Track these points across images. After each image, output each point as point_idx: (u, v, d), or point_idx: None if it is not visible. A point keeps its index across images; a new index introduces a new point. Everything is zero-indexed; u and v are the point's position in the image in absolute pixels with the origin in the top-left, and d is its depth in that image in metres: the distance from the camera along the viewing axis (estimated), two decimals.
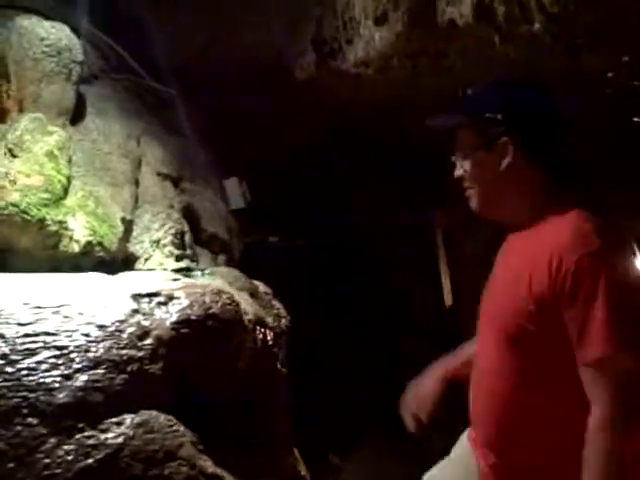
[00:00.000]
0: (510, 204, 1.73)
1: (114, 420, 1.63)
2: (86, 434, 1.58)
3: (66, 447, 1.55)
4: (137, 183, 2.83)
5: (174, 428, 1.70)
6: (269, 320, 2.34)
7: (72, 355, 1.65)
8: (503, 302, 1.69)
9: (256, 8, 3.47)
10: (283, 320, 2.45)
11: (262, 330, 2.18)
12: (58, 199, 2.42)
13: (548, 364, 1.60)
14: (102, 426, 1.61)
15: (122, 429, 1.62)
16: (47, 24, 2.75)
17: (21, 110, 2.64)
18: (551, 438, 1.62)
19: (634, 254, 1.64)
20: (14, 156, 2.43)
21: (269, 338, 2.22)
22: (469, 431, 1.85)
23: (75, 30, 2.90)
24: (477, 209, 1.78)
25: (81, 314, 1.74)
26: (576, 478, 1.53)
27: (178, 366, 1.78)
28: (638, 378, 1.52)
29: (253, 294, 2.35)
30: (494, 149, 1.70)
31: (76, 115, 2.81)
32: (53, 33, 2.73)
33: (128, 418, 1.64)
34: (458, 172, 1.78)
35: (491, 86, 1.81)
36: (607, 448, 1.50)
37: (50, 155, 2.47)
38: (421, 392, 1.95)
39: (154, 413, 1.69)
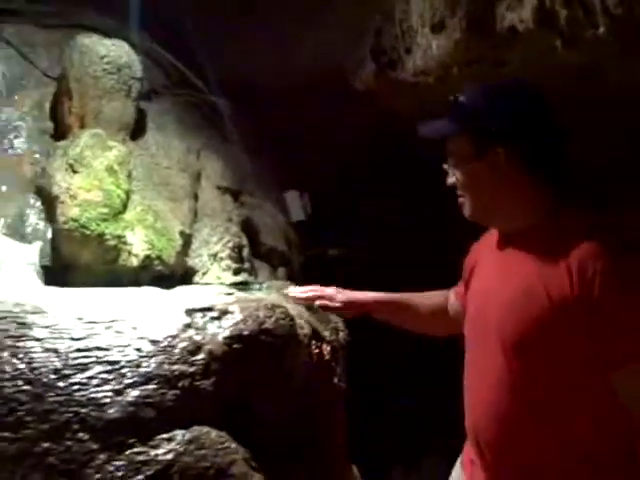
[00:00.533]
0: (503, 212, 1.72)
1: (165, 436, 1.61)
2: (136, 450, 1.57)
3: (116, 463, 1.54)
4: (196, 197, 2.85)
5: (226, 445, 1.67)
6: (326, 334, 2.30)
7: (123, 370, 1.64)
8: (508, 313, 1.65)
9: (319, 22, 3.47)
10: (341, 334, 2.41)
11: (318, 344, 2.14)
12: (117, 213, 2.44)
13: (559, 374, 1.58)
14: (153, 442, 1.59)
15: (173, 445, 1.60)
16: (107, 42, 2.80)
17: (82, 126, 2.68)
18: (557, 446, 1.61)
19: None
20: (75, 172, 2.47)
21: (326, 352, 2.18)
22: (464, 453, 1.84)
23: (135, 47, 2.94)
24: (469, 217, 1.76)
25: (134, 329, 1.74)
26: None
27: (231, 382, 1.75)
28: None
29: (310, 308, 2.30)
30: (486, 159, 1.67)
31: (136, 130, 2.84)
32: (113, 50, 2.78)
33: (179, 434, 1.62)
34: (450, 180, 1.76)
35: (484, 92, 1.76)
36: None
37: (110, 170, 2.50)
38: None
39: (205, 429, 1.66)
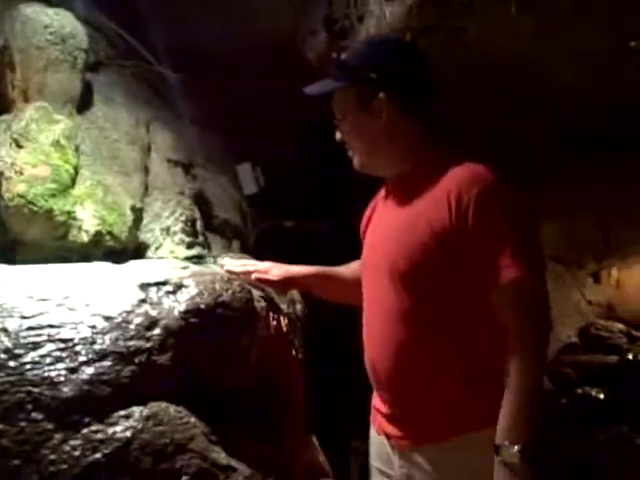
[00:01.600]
0: (390, 157, 1.84)
1: (122, 413, 1.58)
2: (93, 428, 1.54)
3: (73, 442, 1.51)
4: (147, 170, 2.78)
5: (185, 420, 1.65)
6: (283, 306, 2.28)
7: (77, 348, 1.60)
8: (396, 247, 1.80)
9: None
10: (298, 305, 2.40)
11: (275, 317, 2.12)
12: (66, 189, 2.37)
13: (446, 300, 1.73)
14: (110, 420, 1.56)
15: (130, 422, 1.57)
16: (51, 11, 2.69)
17: (26, 100, 2.59)
18: (449, 372, 1.76)
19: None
20: (20, 147, 2.38)
21: (283, 325, 2.16)
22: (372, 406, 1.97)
23: (80, 17, 2.85)
24: (359, 167, 1.87)
25: (87, 305, 1.70)
26: (476, 411, 1.72)
27: (188, 356, 1.73)
28: (544, 300, 1.71)
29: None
30: (370, 108, 1.78)
31: (83, 103, 2.75)
32: (57, 20, 2.67)
33: (137, 411, 1.59)
34: (338, 136, 1.87)
35: (360, 46, 1.93)
36: (534, 375, 1.65)
37: (56, 144, 2.42)
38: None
39: (163, 405, 1.64)
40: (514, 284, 1.66)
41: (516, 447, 1.60)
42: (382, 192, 1.98)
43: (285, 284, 2.15)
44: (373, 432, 1.98)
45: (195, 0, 3.52)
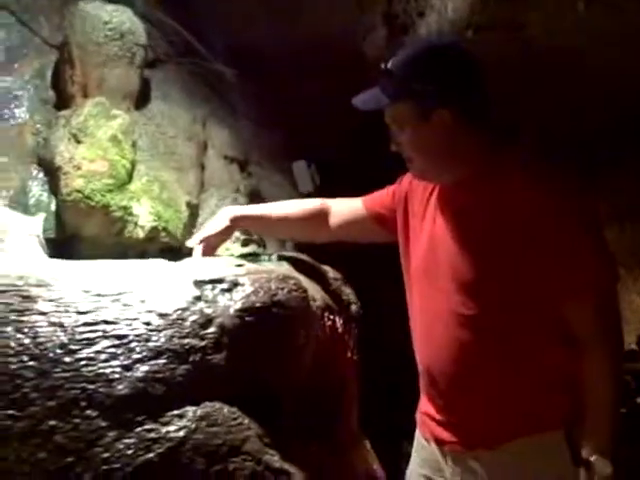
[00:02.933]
0: (452, 166, 1.79)
1: (176, 412, 1.55)
2: (147, 427, 1.51)
3: (126, 441, 1.48)
4: (203, 167, 2.78)
5: (238, 421, 1.61)
6: (338, 307, 2.23)
7: (132, 345, 1.57)
8: (461, 254, 1.76)
9: None
10: (353, 306, 2.34)
11: (331, 317, 2.08)
12: (122, 184, 2.38)
13: (513, 308, 1.70)
14: (163, 419, 1.53)
15: (184, 422, 1.54)
16: (110, 7, 2.72)
17: (85, 95, 2.61)
18: (510, 378, 1.73)
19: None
20: (78, 142, 2.40)
21: (338, 325, 2.11)
22: (418, 411, 1.97)
23: (139, 13, 2.85)
24: (420, 177, 1.87)
25: (142, 302, 1.67)
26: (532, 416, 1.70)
27: (242, 356, 1.69)
28: (619, 309, 1.70)
29: (322, 279, 2.24)
30: (430, 120, 1.72)
31: (140, 99, 2.77)
32: (116, 16, 2.70)
33: (190, 410, 1.56)
34: (394, 148, 1.82)
35: (408, 55, 1.79)
36: (618, 386, 1.65)
37: (114, 140, 2.43)
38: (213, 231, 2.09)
39: (217, 405, 1.60)
40: (596, 295, 1.65)
41: (608, 459, 1.57)
42: (420, 187, 1.95)
43: (229, 232, 2.14)
44: (420, 439, 1.94)
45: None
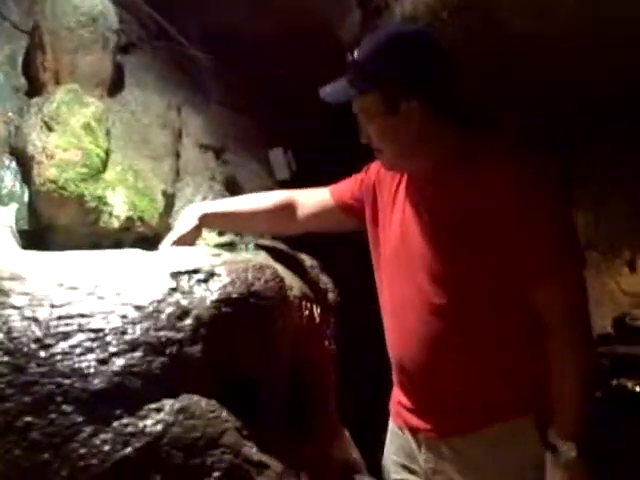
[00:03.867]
0: (421, 158, 1.78)
1: (153, 406, 1.53)
2: (124, 422, 1.49)
3: (103, 436, 1.46)
4: (178, 155, 2.74)
5: (216, 413, 1.60)
6: (316, 295, 2.23)
7: (108, 338, 1.56)
8: (434, 244, 1.77)
9: None
10: (331, 295, 2.34)
11: (308, 306, 2.07)
12: (97, 173, 2.34)
13: (483, 296, 1.70)
14: (140, 413, 1.52)
15: (162, 415, 1.53)
16: None
17: (57, 82, 2.56)
18: (482, 365, 1.74)
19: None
20: (50, 130, 2.36)
21: (316, 314, 2.11)
22: (392, 399, 1.98)
23: None
24: (389, 168, 1.85)
25: (117, 294, 1.65)
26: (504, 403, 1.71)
27: (219, 347, 1.68)
28: (586, 294, 1.71)
29: (299, 268, 2.23)
30: (399, 111, 1.70)
31: (114, 86, 2.72)
32: (87, 1, 2.64)
33: (168, 404, 1.55)
34: (364, 139, 1.80)
35: (374, 45, 1.76)
36: (587, 370, 1.66)
37: (87, 128, 2.39)
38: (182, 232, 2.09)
39: (195, 398, 1.59)
40: (562, 280, 1.65)
41: (573, 443, 1.57)
42: (388, 176, 1.94)
43: (197, 233, 2.14)
44: (394, 427, 1.95)
45: None
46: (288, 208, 2.12)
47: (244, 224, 2.20)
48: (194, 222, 2.08)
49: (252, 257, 2.03)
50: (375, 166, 2.01)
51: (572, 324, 1.67)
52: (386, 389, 2.09)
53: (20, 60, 2.71)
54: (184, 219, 2.11)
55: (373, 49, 1.75)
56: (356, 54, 1.75)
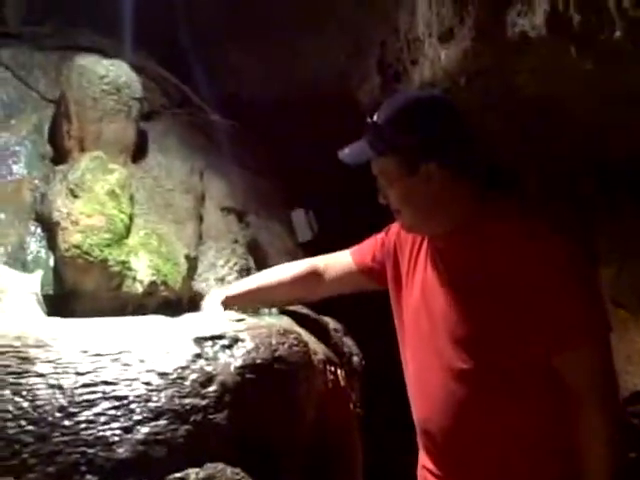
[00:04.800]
0: (440, 220, 1.77)
1: (178, 475, 1.52)
2: None
3: None
4: (201, 219, 2.77)
5: None
6: (340, 359, 2.21)
7: (132, 406, 1.55)
8: (456, 310, 1.73)
9: (317, 35, 3.41)
10: (355, 358, 2.32)
11: (333, 370, 2.05)
12: (120, 238, 2.37)
13: (510, 363, 1.66)
14: None
15: None
16: (106, 62, 2.73)
17: (82, 149, 2.61)
18: (509, 434, 1.69)
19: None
20: (75, 196, 2.40)
21: (341, 379, 2.09)
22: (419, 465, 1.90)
23: (135, 67, 2.87)
24: (407, 229, 1.84)
25: (142, 361, 1.65)
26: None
27: (244, 414, 1.67)
28: (612, 362, 1.66)
29: (323, 332, 2.22)
30: (418, 174, 1.70)
31: (137, 152, 2.77)
32: (112, 70, 2.71)
33: (192, 473, 1.53)
34: (382, 200, 1.79)
35: (393, 109, 1.77)
36: (613, 433, 1.61)
37: (111, 194, 2.42)
38: None
39: (220, 466, 1.57)
40: (589, 346, 1.63)
41: None
42: (409, 237, 1.93)
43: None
44: None
45: (246, 48, 3.55)
46: (311, 277, 2.12)
47: (268, 298, 2.19)
48: (219, 308, 2.12)
49: (275, 322, 2.02)
50: (395, 227, 2.01)
51: (599, 390, 1.63)
52: (413, 452, 2.06)
53: (46, 128, 2.77)
54: (209, 309, 2.16)
55: (392, 113, 1.76)
56: (376, 117, 1.77)
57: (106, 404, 1.55)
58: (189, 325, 1.86)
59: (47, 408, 1.51)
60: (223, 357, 1.72)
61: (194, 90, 3.36)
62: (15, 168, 2.63)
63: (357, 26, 3.21)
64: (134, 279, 2.33)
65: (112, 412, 1.54)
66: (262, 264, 2.86)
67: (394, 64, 3.01)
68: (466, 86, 2.63)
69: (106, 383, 1.58)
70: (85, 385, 1.56)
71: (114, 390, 1.57)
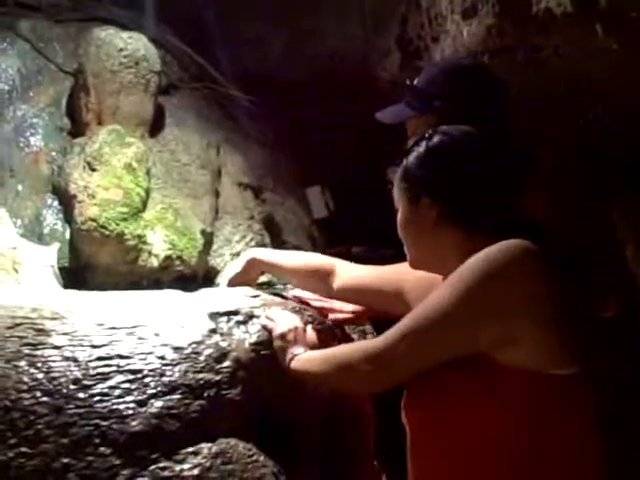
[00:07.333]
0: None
1: (190, 450, 1.52)
2: (161, 465, 1.48)
3: (140, 479, 1.45)
4: (217, 194, 2.76)
5: (254, 458, 1.58)
6: (355, 336, 2.20)
7: (146, 380, 1.55)
8: None
9: (337, 10, 3.37)
10: (369, 337, 2.31)
11: None
12: (137, 212, 2.36)
13: None
14: (178, 456, 1.50)
15: (199, 459, 1.51)
16: (125, 35, 2.72)
17: (100, 123, 2.61)
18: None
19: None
20: (93, 170, 2.40)
21: None
22: None
23: (153, 40, 2.86)
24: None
25: (157, 335, 1.65)
26: None
27: (257, 390, 1.66)
28: None
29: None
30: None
31: (155, 126, 2.77)
32: (131, 44, 2.69)
33: (205, 447, 1.53)
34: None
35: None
36: None
37: (128, 167, 2.42)
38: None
39: (233, 442, 1.57)
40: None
41: None
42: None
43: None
44: None
45: (267, 24, 3.52)
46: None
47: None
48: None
49: (290, 297, 2.01)
50: None
51: None
52: None
53: (64, 101, 2.77)
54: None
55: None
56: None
57: (120, 377, 1.55)
58: (204, 300, 1.85)
59: (62, 380, 1.51)
60: (238, 333, 1.71)
61: (213, 65, 3.34)
62: (33, 140, 2.64)
63: (378, 1, 3.16)
64: (150, 253, 2.33)
65: (126, 385, 1.54)
66: (277, 240, 2.86)
67: (415, 40, 2.98)
68: (488, 64, 2.59)
69: (121, 357, 1.58)
70: (100, 358, 1.56)
71: (128, 364, 1.57)
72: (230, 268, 2.11)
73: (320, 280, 2.00)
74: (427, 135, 1.62)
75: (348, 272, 1.98)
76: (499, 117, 1.74)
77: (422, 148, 1.61)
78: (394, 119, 1.81)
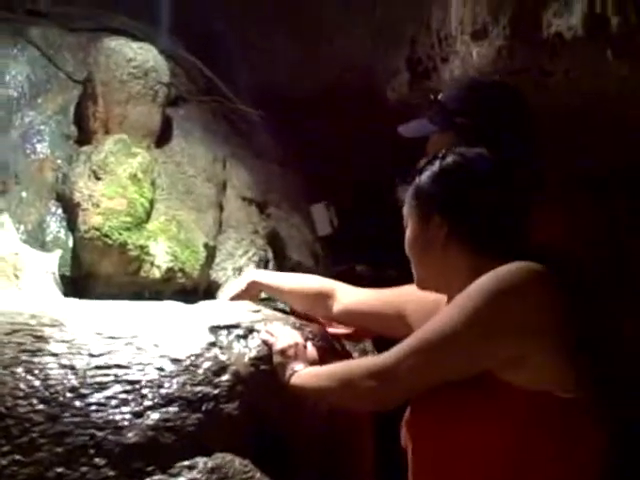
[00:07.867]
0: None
1: (186, 464, 1.50)
2: (155, 478, 1.47)
3: None
4: (221, 207, 2.75)
5: (250, 474, 1.56)
6: (355, 354, 2.19)
7: (144, 391, 1.54)
8: None
9: (347, 29, 3.38)
10: (370, 354, 2.30)
11: None
12: (140, 223, 2.36)
13: None
14: (173, 470, 1.49)
15: (194, 474, 1.49)
16: (134, 45, 2.72)
17: (107, 132, 2.61)
18: None
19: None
20: (98, 178, 2.39)
21: None
22: None
23: (163, 52, 2.86)
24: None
25: (155, 346, 1.64)
26: None
27: (256, 405, 1.65)
28: None
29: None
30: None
31: (162, 137, 2.76)
32: (140, 54, 2.69)
33: (201, 462, 1.52)
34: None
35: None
36: None
37: (133, 178, 2.41)
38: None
39: (229, 457, 1.55)
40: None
41: None
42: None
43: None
44: None
45: (276, 41, 3.53)
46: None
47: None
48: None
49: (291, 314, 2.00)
50: None
51: None
52: None
53: (72, 109, 2.77)
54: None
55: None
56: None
57: (118, 387, 1.53)
58: (205, 313, 1.84)
59: (59, 388, 1.50)
60: (238, 347, 1.71)
61: (222, 79, 3.34)
62: (39, 147, 2.64)
63: (387, 21, 3.17)
64: (152, 264, 2.32)
65: (123, 396, 1.53)
66: (281, 256, 2.84)
67: (424, 60, 2.98)
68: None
69: (119, 366, 1.57)
70: (98, 367, 1.55)
71: (126, 374, 1.56)
72: (229, 288, 2.10)
73: (320, 303, 1.99)
74: (441, 155, 1.62)
75: (348, 295, 1.97)
76: (522, 140, 1.70)
77: (436, 167, 1.60)
78: (416, 134, 1.81)
